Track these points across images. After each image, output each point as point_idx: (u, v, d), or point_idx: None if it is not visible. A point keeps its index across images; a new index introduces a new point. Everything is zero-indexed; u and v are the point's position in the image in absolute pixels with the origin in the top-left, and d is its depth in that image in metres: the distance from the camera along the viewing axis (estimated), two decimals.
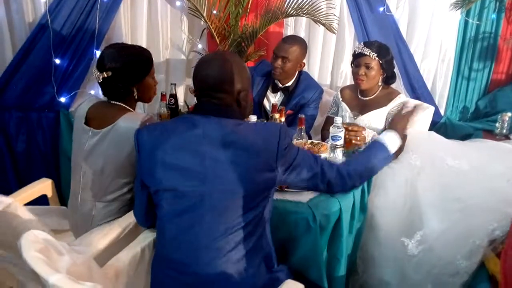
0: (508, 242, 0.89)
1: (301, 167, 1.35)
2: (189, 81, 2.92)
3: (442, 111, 3.20)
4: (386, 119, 2.14)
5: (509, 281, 0.83)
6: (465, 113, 3.27)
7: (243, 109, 1.40)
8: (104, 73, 1.61)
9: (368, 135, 2.04)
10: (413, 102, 2.50)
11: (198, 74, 1.36)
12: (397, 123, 1.70)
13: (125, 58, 1.64)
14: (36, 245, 0.93)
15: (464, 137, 2.91)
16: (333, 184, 1.40)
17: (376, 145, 1.56)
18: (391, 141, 1.58)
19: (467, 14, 2.99)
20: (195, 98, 1.41)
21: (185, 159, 1.27)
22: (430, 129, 2.61)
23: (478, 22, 3.03)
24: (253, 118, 1.87)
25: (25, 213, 1.21)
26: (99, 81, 1.63)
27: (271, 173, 1.28)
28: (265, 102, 2.45)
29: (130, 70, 1.65)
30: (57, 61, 2.50)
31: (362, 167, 1.47)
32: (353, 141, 1.96)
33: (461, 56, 3.13)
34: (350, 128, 1.95)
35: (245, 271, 1.28)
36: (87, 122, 1.69)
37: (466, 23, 3.03)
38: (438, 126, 3.11)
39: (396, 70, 2.71)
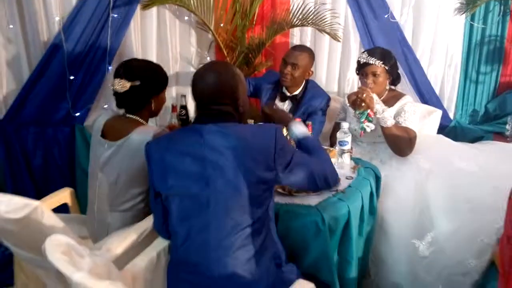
0: (505, 231, 0.91)
1: (299, 166, 1.38)
2: None
3: (451, 115, 3.21)
4: (394, 118, 2.15)
5: (506, 270, 0.85)
6: (475, 116, 3.28)
7: (242, 114, 1.46)
8: (134, 82, 1.68)
9: (380, 110, 2.06)
10: (418, 104, 2.53)
11: (194, 88, 1.42)
12: None
13: (151, 69, 1.76)
14: (59, 248, 0.99)
15: (475, 140, 2.91)
16: (329, 179, 1.46)
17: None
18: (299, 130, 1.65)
19: (472, 18, 3.02)
20: (195, 110, 1.47)
21: (189, 164, 1.33)
22: (440, 133, 2.63)
23: (483, 26, 3.06)
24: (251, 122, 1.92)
25: (51, 217, 1.27)
26: (123, 90, 1.69)
27: (271, 172, 1.33)
28: None
29: (155, 81, 1.76)
30: (71, 77, 2.59)
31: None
32: (359, 96, 2.02)
33: (468, 60, 3.15)
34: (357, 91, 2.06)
35: (255, 269, 1.32)
36: (103, 135, 1.76)
37: (471, 27, 3.06)
38: (448, 130, 3.12)
39: (403, 76, 2.75)
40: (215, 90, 1.37)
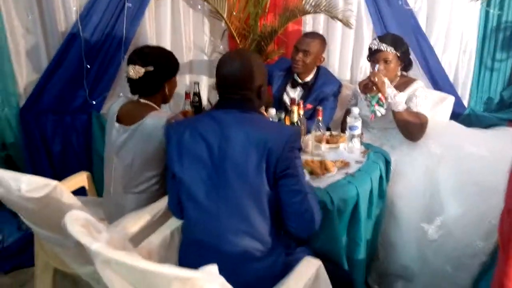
0: (506, 205, 0.93)
1: (294, 177, 1.35)
2: (212, 81, 3.03)
3: (465, 103, 3.18)
4: (405, 103, 2.15)
5: (505, 243, 0.88)
6: (490, 104, 3.23)
7: (263, 100, 1.50)
8: (147, 68, 1.74)
9: (392, 95, 2.07)
10: (430, 91, 2.51)
11: (219, 73, 1.46)
12: None
13: (163, 56, 1.83)
14: (78, 222, 1.05)
15: (489, 127, 2.89)
16: (316, 216, 1.37)
17: None
18: None
19: (488, 4, 2.97)
20: (218, 95, 1.51)
21: (204, 150, 1.37)
22: (455, 121, 2.61)
23: (499, 12, 3.01)
24: (272, 112, 1.95)
25: (70, 197, 1.33)
26: (137, 76, 1.74)
27: (272, 168, 1.32)
28: (285, 97, 2.53)
29: (167, 66, 1.83)
30: (88, 66, 2.65)
31: None
32: (371, 79, 2.04)
33: (483, 47, 3.10)
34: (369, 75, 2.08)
35: (265, 250, 1.36)
36: (118, 120, 1.82)
37: (487, 13, 3.00)
38: (463, 117, 3.09)
39: (416, 63, 2.74)
40: (241, 76, 1.41)
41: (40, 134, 2.68)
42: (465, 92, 3.18)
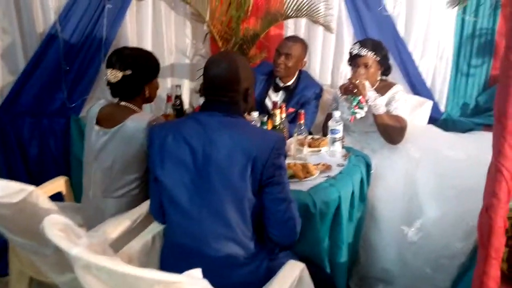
0: (484, 202, 0.96)
1: (279, 185, 1.34)
2: (193, 84, 3.02)
3: (442, 108, 3.25)
4: (385, 106, 2.19)
5: (485, 241, 0.90)
6: (466, 109, 3.30)
7: (249, 104, 1.49)
8: (125, 72, 1.71)
9: (372, 98, 2.09)
10: (409, 95, 2.56)
11: (206, 75, 1.44)
12: None
13: (142, 58, 1.79)
14: (57, 226, 1.02)
15: (465, 132, 2.96)
16: (297, 226, 1.38)
17: None
18: None
19: (464, 11, 3.05)
20: (204, 97, 1.49)
21: (187, 154, 1.35)
22: (432, 125, 2.67)
23: (475, 19, 3.09)
24: (255, 114, 1.95)
25: (46, 202, 1.30)
26: (115, 80, 1.71)
27: (258, 176, 1.32)
28: (267, 101, 2.54)
29: (146, 69, 1.79)
30: (67, 68, 2.60)
31: None
32: (352, 82, 2.06)
33: (459, 53, 3.17)
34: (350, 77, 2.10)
35: (248, 256, 1.36)
36: (98, 122, 1.78)
37: (463, 20, 3.08)
38: (440, 122, 3.15)
39: (395, 68, 2.79)
40: (229, 77, 1.39)
41: (16, 137, 2.61)
42: (442, 97, 3.24)
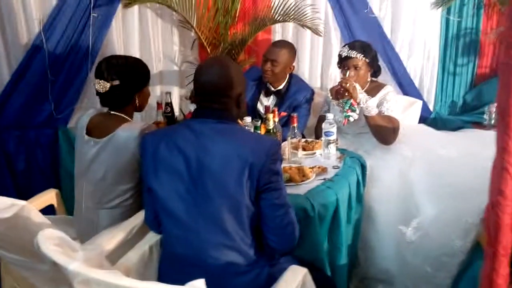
0: (490, 199, 0.95)
1: (277, 191, 1.32)
2: (183, 91, 3.00)
3: (431, 107, 3.29)
4: (377, 107, 2.19)
5: (492, 238, 0.89)
6: (454, 107, 3.36)
7: (241, 110, 1.46)
8: (113, 82, 1.67)
9: (364, 100, 2.09)
10: (399, 96, 2.58)
11: (197, 81, 1.41)
12: None
13: (130, 67, 1.74)
14: (52, 241, 0.98)
15: (455, 130, 2.99)
16: (296, 231, 1.36)
17: None
18: None
19: (448, 11, 3.10)
20: (196, 103, 1.46)
21: (180, 163, 1.32)
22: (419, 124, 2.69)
23: (459, 19, 3.14)
24: (248, 120, 1.93)
25: (39, 216, 1.26)
26: (104, 91, 1.68)
27: (255, 182, 1.29)
28: (259, 105, 2.52)
29: (135, 78, 1.74)
30: (53, 78, 2.55)
31: None
32: (342, 85, 2.05)
33: (445, 52, 3.23)
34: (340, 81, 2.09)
35: (248, 264, 1.33)
36: (88, 133, 1.74)
37: (447, 20, 3.13)
38: (429, 121, 3.19)
39: (383, 69, 2.80)
40: (221, 83, 1.36)
41: (2, 151, 2.55)
42: (430, 97, 3.29)
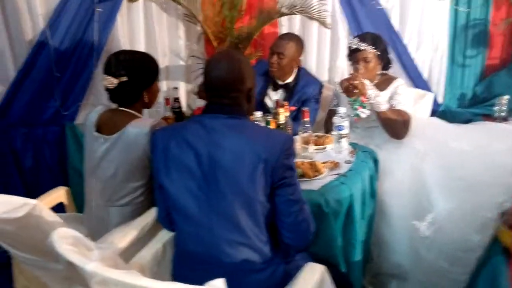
0: None
1: (291, 187, 1.30)
2: (189, 86, 2.97)
3: (440, 99, 3.25)
4: (387, 101, 2.16)
5: None
6: (463, 100, 3.31)
7: (252, 104, 1.44)
8: (121, 78, 1.64)
9: (373, 96, 2.05)
10: (410, 89, 2.54)
11: (207, 76, 1.38)
12: None
13: (138, 63, 1.71)
14: (67, 240, 0.96)
15: (465, 123, 2.95)
16: (311, 227, 1.35)
17: None
18: None
19: (456, 2, 3.05)
20: (205, 99, 1.43)
21: (192, 160, 1.30)
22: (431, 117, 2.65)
23: (468, 10, 3.09)
24: (258, 114, 1.91)
25: (50, 215, 1.24)
26: (112, 87, 1.66)
27: (269, 178, 1.27)
28: (267, 100, 2.49)
29: (144, 74, 1.71)
30: (59, 75, 2.53)
31: None
32: (351, 83, 2.00)
33: (454, 44, 3.18)
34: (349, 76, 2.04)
35: (264, 260, 1.31)
36: (97, 130, 1.72)
37: (456, 11, 3.09)
38: (438, 114, 3.15)
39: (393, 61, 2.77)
40: (231, 77, 1.33)
41: (10, 149, 2.53)
42: (439, 89, 3.24)
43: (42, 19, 2.45)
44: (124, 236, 1.45)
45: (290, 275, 1.33)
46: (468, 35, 3.16)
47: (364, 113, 2.04)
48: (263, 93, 2.49)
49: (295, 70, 2.45)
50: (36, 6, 2.42)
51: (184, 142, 1.32)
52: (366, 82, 2.06)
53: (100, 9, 2.53)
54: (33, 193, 2.48)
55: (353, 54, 2.23)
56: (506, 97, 2.80)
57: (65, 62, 2.53)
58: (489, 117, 2.92)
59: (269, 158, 1.25)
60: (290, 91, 2.43)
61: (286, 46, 2.35)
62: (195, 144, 1.30)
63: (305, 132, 1.94)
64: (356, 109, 2.04)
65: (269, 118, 1.94)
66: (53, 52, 2.48)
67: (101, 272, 0.85)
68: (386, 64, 2.31)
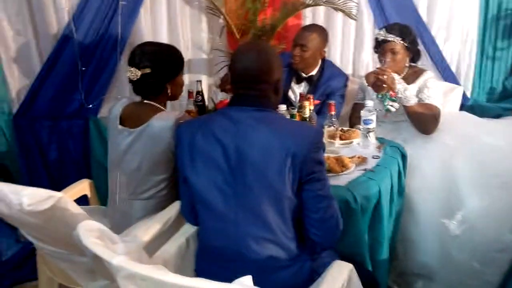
0: None
1: (320, 182, 1.27)
2: (211, 79, 2.95)
3: (468, 93, 3.14)
4: (416, 95, 2.09)
5: None
6: (493, 94, 3.19)
7: (279, 96, 1.41)
8: (144, 70, 1.63)
9: (402, 90, 1.99)
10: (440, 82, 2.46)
11: (234, 67, 1.35)
12: None
13: (162, 55, 1.70)
14: (92, 233, 0.95)
15: (494, 118, 2.85)
16: (340, 225, 1.32)
17: None
18: None
19: None
20: (231, 91, 1.41)
21: (219, 154, 1.27)
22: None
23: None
24: (283, 107, 1.87)
25: (75, 208, 1.24)
26: (135, 79, 1.65)
27: (297, 172, 1.24)
28: (290, 93, 2.45)
29: (167, 67, 1.70)
30: (83, 68, 2.54)
31: None
32: (379, 78, 1.94)
33: (484, 35, 3.06)
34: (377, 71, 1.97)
35: (290, 257, 1.28)
36: (121, 123, 1.72)
37: (487, 1, 2.97)
38: (466, 108, 3.04)
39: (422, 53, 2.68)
40: (258, 68, 1.31)
41: (35, 142, 2.57)
42: (467, 82, 3.13)
43: (67, 13, 2.46)
44: (147, 230, 1.44)
45: (316, 272, 1.30)
46: (499, 26, 3.03)
47: (393, 107, 1.98)
48: (287, 86, 2.45)
49: (319, 62, 2.40)
50: (61, 0, 2.44)
51: (210, 135, 1.30)
52: (395, 76, 2.00)
53: (123, 2, 2.52)
54: (58, 186, 2.52)
55: (380, 46, 2.17)
56: None
57: (89, 55, 2.54)
58: None
59: (298, 152, 1.22)
60: (314, 84, 2.38)
61: (309, 37, 2.30)
62: (222, 137, 1.28)
63: (331, 126, 1.89)
64: (386, 104, 1.98)
65: (294, 111, 1.89)
66: (77, 46, 2.49)
67: (128, 267, 0.84)
68: (415, 56, 2.23)
